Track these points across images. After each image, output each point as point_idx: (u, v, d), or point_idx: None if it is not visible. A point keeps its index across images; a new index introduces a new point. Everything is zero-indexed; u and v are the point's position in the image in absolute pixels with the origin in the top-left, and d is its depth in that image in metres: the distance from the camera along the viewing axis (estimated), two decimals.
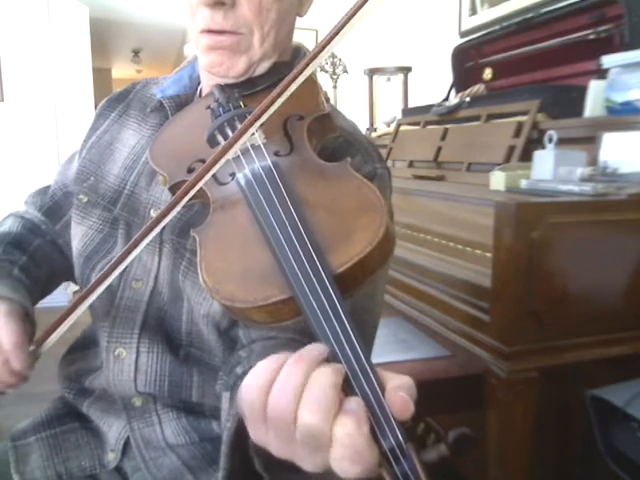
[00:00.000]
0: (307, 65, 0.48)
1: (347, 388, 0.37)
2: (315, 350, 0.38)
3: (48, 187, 0.83)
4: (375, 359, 0.41)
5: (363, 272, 0.43)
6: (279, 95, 0.48)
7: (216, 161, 0.48)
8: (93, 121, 0.78)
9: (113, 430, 0.70)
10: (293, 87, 0.48)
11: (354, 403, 0.35)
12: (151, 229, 0.49)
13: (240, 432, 0.43)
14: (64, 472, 0.69)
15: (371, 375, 0.37)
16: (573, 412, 1.17)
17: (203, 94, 0.71)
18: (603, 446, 0.98)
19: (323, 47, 0.47)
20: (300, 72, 0.48)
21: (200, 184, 0.48)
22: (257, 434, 0.38)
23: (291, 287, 0.41)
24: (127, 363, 0.66)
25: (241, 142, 0.49)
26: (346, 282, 0.42)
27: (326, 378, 0.35)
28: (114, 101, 0.78)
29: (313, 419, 0.34)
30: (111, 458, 0.70)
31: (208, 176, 0.48)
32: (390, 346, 1.39)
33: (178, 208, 0.48)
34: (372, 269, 0.43)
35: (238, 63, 0.62)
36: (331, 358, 0.38)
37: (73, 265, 0.75)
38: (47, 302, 0.81)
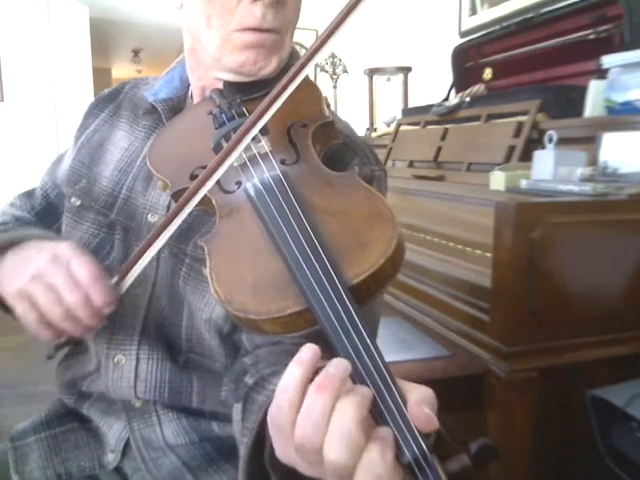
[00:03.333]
0: (304, 66, 0.48)
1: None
2: (337, 370, 0.36)
3: (34, 190, 0.81)
4: None
5: (376, 284, 0.43)
6: (277, 96, 0.48)
7: (219, 166, 0.47)
8: (82, 120, 0.76)
9: (113, 431, 0.70)
10: (291, 88, 0.48)
11: (381, 430, 0.35)
12: (159, 233, 0.48)
13: (256, 446, 0.43)
14: (63, 472, 0.69)
15: (392, 386, 0.37)
16: (573, 412, 1.16)
17: (194, 96, 0.70)
18: (603, 446, 0.98)
19: (323, 42, 0.47)
20: (298, 72, 0.48)
21: (204, 190, 0.47)
22: (284, 454, 0.38)
23: (306, 298, 0.41)
24: (127, 370, 0.66)
25: (243, 145, 0.49)
26: (360, 293, 0.42)
27: (352, 413, 0.34)
28: (104, 100, 0.77)
29: (339, 457, 0.34)
30: (111, 459, 0.69)
31: (212, 182, 0.48)
32: (390, 346, 1.39)
33: (185, 214, 0.48)
34: (385, 280, 0.43)
35: (271, 63, 0.61)
36: (352, 372, 0.37)
37: None
38: None
